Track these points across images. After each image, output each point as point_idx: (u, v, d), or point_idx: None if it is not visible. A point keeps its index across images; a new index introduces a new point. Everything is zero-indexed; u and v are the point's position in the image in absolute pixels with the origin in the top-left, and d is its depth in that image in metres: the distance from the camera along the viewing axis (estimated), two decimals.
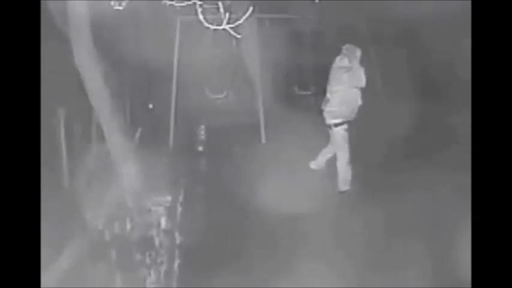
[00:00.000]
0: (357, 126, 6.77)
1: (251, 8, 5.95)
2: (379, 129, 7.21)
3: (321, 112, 6.72)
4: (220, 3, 5.67)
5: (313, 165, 6.87)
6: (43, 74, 3.13)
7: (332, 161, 6.66)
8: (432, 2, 6.78)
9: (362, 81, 6.58)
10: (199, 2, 5.52)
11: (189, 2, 5.61)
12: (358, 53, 6.64)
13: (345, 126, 6.54)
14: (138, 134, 6.57)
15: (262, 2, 7.20)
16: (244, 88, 8.20)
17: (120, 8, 5.85)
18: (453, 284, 4.75)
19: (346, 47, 6.67)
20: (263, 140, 7.86)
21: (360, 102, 6.64)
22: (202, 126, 8.13)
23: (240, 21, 5.83)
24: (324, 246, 5.45)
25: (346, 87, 6.53)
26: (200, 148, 7.95)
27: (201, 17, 5.55)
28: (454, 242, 4.90)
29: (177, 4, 5.93)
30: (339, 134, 6.54)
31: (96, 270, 5.14)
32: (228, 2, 5.77)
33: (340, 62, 6.63)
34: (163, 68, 7.68)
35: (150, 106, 8.03)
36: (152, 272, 5.30)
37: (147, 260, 5.41)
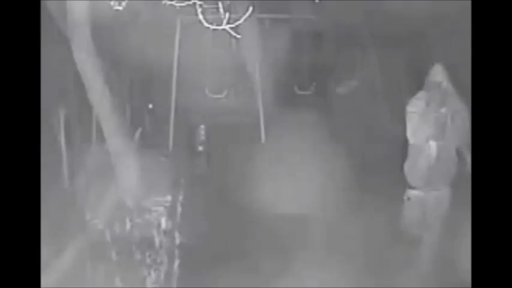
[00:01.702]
0: (356, 126, 6.77)
1: (251, 8, 5.95)
2: (378, 129, 7.22)
3: (320, 112, 6.72)
4: (220, 3, 5.67)
5: None
6: (43, 74, 3.13)
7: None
8: (432, 2, 6.78)
9: (414, 133, 5.25)
10: (199, 2, 5.52)
11: (189, 2, 5.61)
12: (442, 87, 5.24)
13: (415, 193, 5.37)
14: (138, 134, 6.56)
15: (262, 2, 7.19)
16: (244, 88, 8.19)
17: (120, 8, 5.84)
18: (453, 285, 4.75)
19: (433, 72, 5.35)
20: (263, 140, 7.85)
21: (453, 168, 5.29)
22: (202, 126, 8.12)
23: (240, 21, 5.82)
24: (324, 246, 5.46)
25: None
26: (200, 148, 7.94)
27: (201, 17, 5.55)
28: (453, 243, 4.91)
29: (177, 4, 5.91)
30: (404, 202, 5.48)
31: (96, 270, 5.14)
32: (228, 2, 5.77)
33: (415, 99, 5.36)
34: (163, 68, 7.67)
35: (150, 106, 8.02)
36: (152, 272, 5.30)
37: (147, 260, 5.41)
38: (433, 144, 5.27)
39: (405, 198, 5.34)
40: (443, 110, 5.27)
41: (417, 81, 7.13)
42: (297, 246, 5.52)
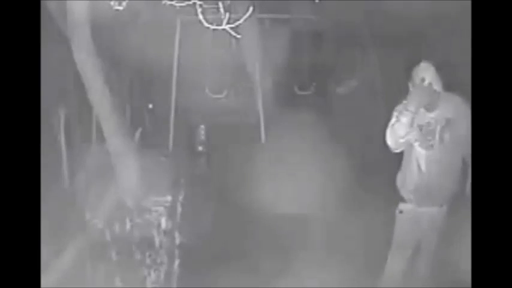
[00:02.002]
0: (356, 126, 6.76)
1: (251, 8, 5.95)
2: (378, 129, 7.20)
3: (320, 112, 6.70)
4: (220, 3, 5.66)
5: None
6: (43, 74, 3.13)
7: None
8: (432, 2, 6.78)
9: (390, 135, 4.65)
10: (199, 2, 5.51)
11: (189, 2, 5.60)
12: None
13: (408, 206, 4.86)
14: (138, 134, 6.56)
15: (262, 2, 7.19)
16: (244, 88, 8.20)
17: (120, 8, 5.83)
18: (453, 285, 4.75)
19: (416, 71, 4.70)
20: (263, 140, 7.86)
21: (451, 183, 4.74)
22: (202, 126, 8.13)
23: (240, 21, 5.82)
24: (324, 246, 5.46)
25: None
26: (200, 148, 7.95)
27: (201, 17, 5.54)
28: (453, 243, 4.90)
29: (177, 4, 5.91)
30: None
31: (96, 270, 5.14)
32: (228, 2, 5.77)
33: (405, 100, 4.71)
34: (163, 68, 7.67)
35: (150, 106, 8.02)
36: (152, 272, 5.30)
37: (147, 260, 5.41)
38: (421, 154, 4.70)
39: (397, 211, 4.89)
40: (432, 115, 4.65)
41: None
42: (297, 246, 5.52)
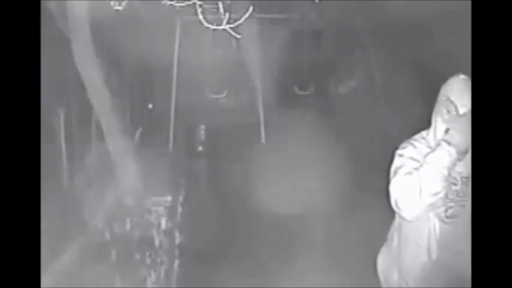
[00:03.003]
0: (356, 126, 6.76)
1: (251, 8, 5.96)
2: (378, 129, 7.22)
3: (320, 112, 6.66)
4: (220, 3, 5.67)
5: None
6: (43, 74, 3.13)
7: None
8: (432, 2, 6.79)
9: (400, 197, 2.85)
10: (199, 2, 5.52)
11: (189, 2, 5.61)
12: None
13: None
14: (138, 134, 6.57)
15: (262, 2, 7.20)
16: (244, 88, 8.22)
17: (120, 8, 5.84)
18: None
19: (448, 89, 3.03)
20: (263, 140, 7.86)
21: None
22: (202, 126, 8.14)
23: (240, 21, 5.83)
24: (325, 246, 5.46)
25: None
26: (200, 148, 7.96)
27: (201, 17, 5.55)
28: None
29: (177, 4, 5.92)
30: None
31: (96, 270, 5.14)
32: (228, 2, 5.78)
33: (417, 139, 3.16)
34: (163, 68, 7.68)
35: (150, 106, 8.04)
36: (152, 272, 5.31)
37: (147, 260, 5.41)
38: (436, 228, 2.99)
39: None
40: (459, 168, 2.95)
41: (417, 81, 7.11)
42: (298, 246, 5.52)
